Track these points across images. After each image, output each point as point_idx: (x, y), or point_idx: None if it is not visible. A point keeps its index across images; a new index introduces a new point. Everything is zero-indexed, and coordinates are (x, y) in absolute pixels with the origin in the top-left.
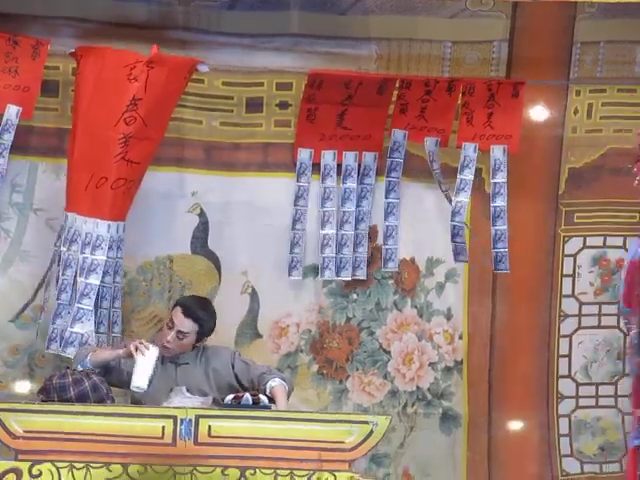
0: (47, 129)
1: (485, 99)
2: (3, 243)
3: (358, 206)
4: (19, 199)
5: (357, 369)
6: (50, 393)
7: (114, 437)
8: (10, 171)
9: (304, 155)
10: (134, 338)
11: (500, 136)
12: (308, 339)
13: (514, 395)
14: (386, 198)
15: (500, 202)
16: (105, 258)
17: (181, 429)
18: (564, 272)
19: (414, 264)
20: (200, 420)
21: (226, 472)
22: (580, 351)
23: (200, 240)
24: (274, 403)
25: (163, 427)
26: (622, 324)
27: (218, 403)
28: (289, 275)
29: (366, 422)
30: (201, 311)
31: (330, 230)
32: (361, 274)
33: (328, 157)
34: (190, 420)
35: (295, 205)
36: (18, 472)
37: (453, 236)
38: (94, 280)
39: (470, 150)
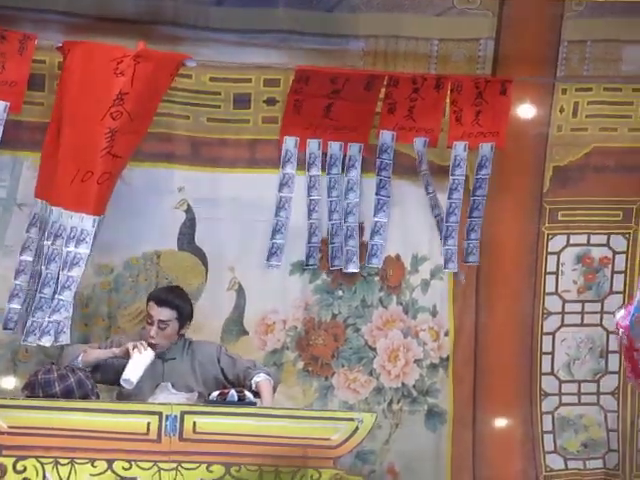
0: (32, 123)
1: (473, 97)
2: None
3: (346, 199)
4: (3, 194)
5: (343, 366)
6: (35, 389)
7: (99, 433)
8: None
9: (289, 143)
10: (121, 334)
11: (488, 133)
12: (294, 336)
13: (498, 392)
14: (377, 195)
15: (480, 194)
16: (89, 252)
17: (166, 425)
18: (548, 270)
19: (399, 261)
20: (185, 416)
21: (211, 468)
22: (563, 349)
23: (187, 236)
24: (259, 398)
25: (148, 423)
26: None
27: (204, 399)
28: (267, 260)
29: (351, 419)
30: (174, 297)
31: (317, 219)
32: (354, 267)
33: (313, 145)
34: (175, 416)
35: (280, 192)
36: (2, 468)
37: (446, 238)
38: (76, 273)
39: (460, 149)
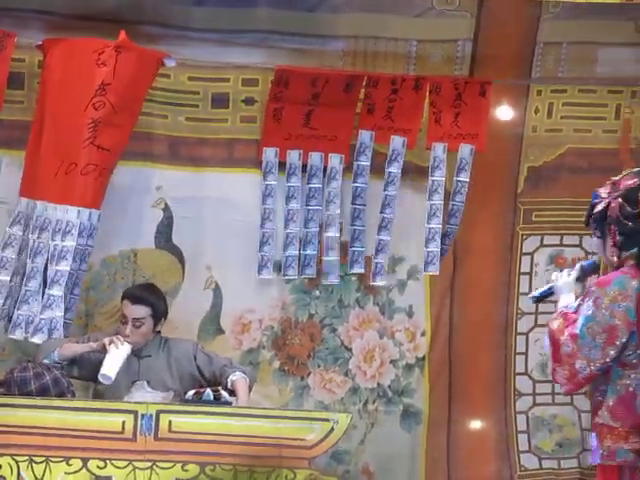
0: (12, 122)
1: (452, 98)
2: None
3: (327, 210)
4: None
5: (319, 366)
6: (11, 386)
7: (74, 431)
8: None
9: (269, 154)
10: (98, 332)
11: (467, 135)
12: (270, 335)
13: (473, 392)
14: (352, 204)
15: (458, 200)
16: (75, 244)
17: (142, 424)
18: (522, 270)
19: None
20: (161, 415)
21: (186, 468)
22: (536, 349)
23: (164, 235)
24: (235, 397)
25: (123, 422)
26: None
27: (179, 398)
28: (258, 274)
29: (327, 420)
30: (147, 294)
31: (294, 229)
32: (333, 278)
33: (294, 156)
34: (151, 415)
35: (263, 204)
36: None
37: (427, 241)
38: (64, 267)
39: (439, 151)
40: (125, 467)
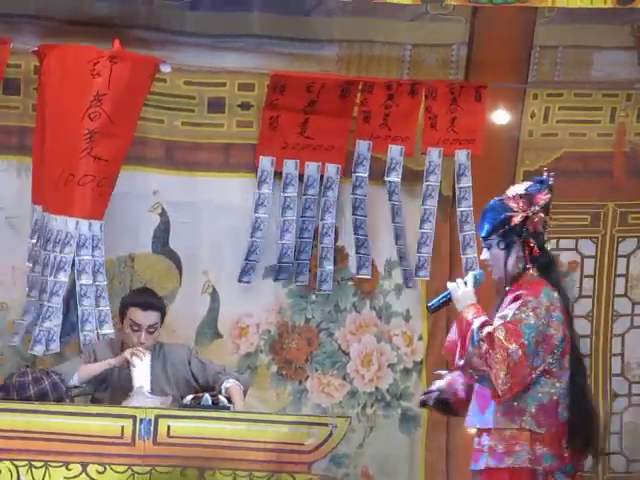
0: (9, 127)
1: (448, 103)
2: None
3: (322, 220)
4: None
5: (316, 370)
6: (9, 391)
7: (73, 436)
8: None
9: (265, 163)
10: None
11: (463, 140)
12: (268, 339)
13: None
14: (353, 215)
15: (465, 207)
16: (73, 255)
17: (140, 429)
18: None
19: (373, 266)
20: (159, 420)
21: (185, 472)
22: None
23: (161, 239)
24: (231, 403)
25: (122, 427)
26: None
27: (178, 403)
28: (239, 280)
29: (325, 424)
30: (155, 299)
31: (290, 240)
32: (327, 287)
33: (290, 166)
34: (149, 420)
35: (255, 213)
36: None
37: (419, 245)
38: (63, 278)
39: (435, 155)
40: (124, 472)
